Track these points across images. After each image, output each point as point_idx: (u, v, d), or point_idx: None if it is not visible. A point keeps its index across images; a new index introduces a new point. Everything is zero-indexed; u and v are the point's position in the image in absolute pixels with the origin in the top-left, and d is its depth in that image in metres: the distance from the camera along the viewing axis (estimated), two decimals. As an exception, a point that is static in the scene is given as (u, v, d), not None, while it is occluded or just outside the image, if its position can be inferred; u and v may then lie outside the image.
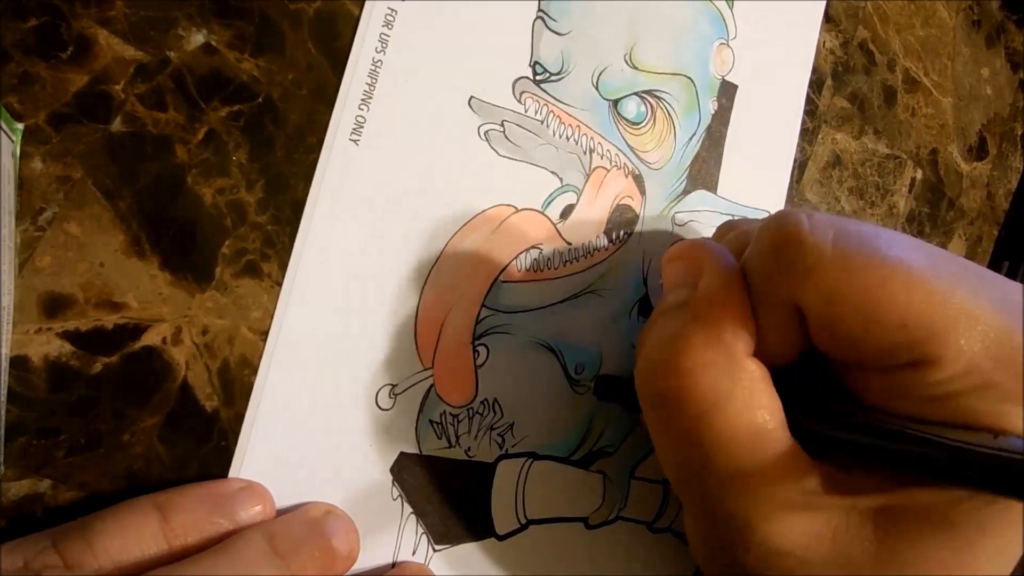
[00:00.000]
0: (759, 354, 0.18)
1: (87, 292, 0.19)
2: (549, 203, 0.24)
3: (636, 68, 0.26)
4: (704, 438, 0.17)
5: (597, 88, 0.25)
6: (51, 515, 0.19)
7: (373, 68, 0.22)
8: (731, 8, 0.27)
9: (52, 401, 0.19)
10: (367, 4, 0.22)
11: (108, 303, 0.19)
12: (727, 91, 0.27)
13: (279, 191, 0.21)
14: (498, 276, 0.23)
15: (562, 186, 0.24)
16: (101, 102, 0.19)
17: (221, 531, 0.19)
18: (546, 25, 0.24)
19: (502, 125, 0.23)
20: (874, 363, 0.17)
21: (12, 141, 0.18)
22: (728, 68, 0.27)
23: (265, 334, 0.21)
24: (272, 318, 0.21)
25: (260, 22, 0.20)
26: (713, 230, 0.25)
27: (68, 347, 0.19)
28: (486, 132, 0.23)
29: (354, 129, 0.21)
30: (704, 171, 0.27)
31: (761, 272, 0.18)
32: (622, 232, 0.25)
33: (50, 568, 0.16)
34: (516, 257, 0.24)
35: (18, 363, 0.18)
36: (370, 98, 0.22)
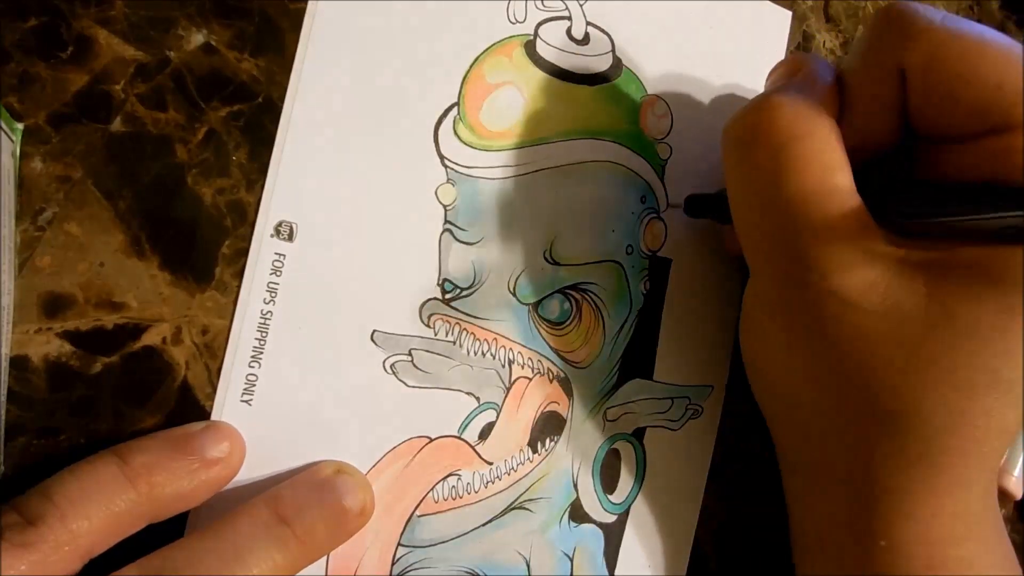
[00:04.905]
0: (851, 133, 0.20)
1: (87, 292, 0.19)
2: (466, 426, 0.23)
3: (558, 264, 0.23)
4: (782, 166, 0.19)
5: (515, 294, 0.23)
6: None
7: (263, 321, 0.20)
8: (661, 177, 0.25)
9: (52, 401, 0.19)
10: (251, 251, 0.20)
11: (108, 303, 0.19)
12: (659, 268, 0.25)
13: (279, 191, 0.21)
14: (413, 512, 0.22)
15: (480, 405, 0.23)
16: (101, 102, 0.19)
17: (191, 469, 0.18)
18: (454, 237, 0.22)
19: (410, 354, 0.22)
20: (964, 127, 0.19)
21: (12, 141, 0.18)
22: (660, 243, 0.25)
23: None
24: None
25: (260, 22, 0.20)
26: (651, 418, 0.25)
27: (68, 347, 0.19)
28: (392, 365, 0.22)
29: (245, 390, 0.20)
30: (638, 358, 0.25)
31: (869, 41, 0.20)
32: (548, 440, 0.24)
33: (9, 526, 0.16)
34: (432, 488, 0.22)
35: (18, 363, 0.18)
36: (261, 355, 0.20)
